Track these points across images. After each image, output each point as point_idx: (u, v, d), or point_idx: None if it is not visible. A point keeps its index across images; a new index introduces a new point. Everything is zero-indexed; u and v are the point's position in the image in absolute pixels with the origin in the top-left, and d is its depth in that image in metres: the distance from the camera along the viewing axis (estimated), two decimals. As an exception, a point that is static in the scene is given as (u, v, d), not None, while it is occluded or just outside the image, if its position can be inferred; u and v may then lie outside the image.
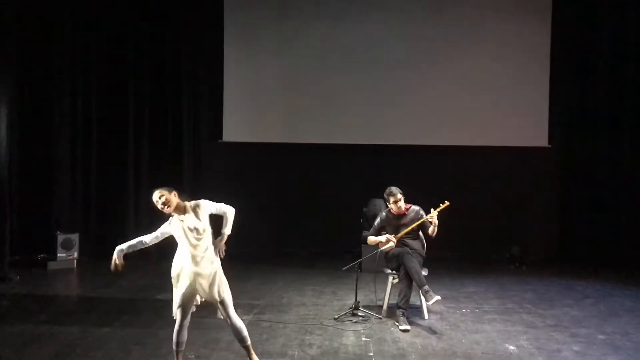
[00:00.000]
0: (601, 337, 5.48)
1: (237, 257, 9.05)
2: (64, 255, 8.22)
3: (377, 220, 6.26)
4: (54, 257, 8.18)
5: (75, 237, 8.35)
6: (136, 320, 5.80)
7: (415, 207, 6.11)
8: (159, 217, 4.55)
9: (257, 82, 9.46)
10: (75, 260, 8.31)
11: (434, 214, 5.77)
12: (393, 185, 6.13)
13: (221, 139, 9.46)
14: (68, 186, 8.87)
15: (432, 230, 5.85)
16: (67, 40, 8.79)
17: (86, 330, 5.44)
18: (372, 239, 6.18)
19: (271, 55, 9.44)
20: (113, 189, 9.05)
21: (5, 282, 7.21)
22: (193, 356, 4.81)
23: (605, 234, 9.11)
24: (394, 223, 6.11)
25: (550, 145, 9.36)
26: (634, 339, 5.43)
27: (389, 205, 6.12)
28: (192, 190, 9.38)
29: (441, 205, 5.81)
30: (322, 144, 9.37)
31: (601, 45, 9.27)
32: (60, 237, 8.22)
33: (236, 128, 9.49)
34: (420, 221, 5.97)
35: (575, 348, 5.14)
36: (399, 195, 6.03)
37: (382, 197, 6.26)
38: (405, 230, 5.99)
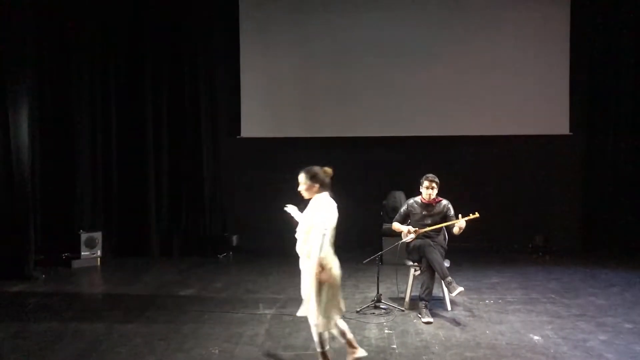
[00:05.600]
0: (628, 326, 5.40)
1: (257, 252, 9.16)
2: (87, 253, 8.31)
3: (404, 206, 6.20)
4: (78, 255, 8.27)
5: (98, 235, 8.44)
6: (160, 316, 5.85)
7: (444, 202, 6.06)
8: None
9: (273, 78, 9.47)
10: (98, 259, 8.40)
11: (462, 224, 5.73)
12: (431, 174, 6.09)
13: (239, 135, 9.49)
14: (90, 185, 8.95)
15: (457, 230, 5.81)
16: (85, 42, 8.84)
17: (111, 326, 5.49)
18: (396, 226, 6.16)
19: (287, 50, 9.44)
20: (134, 186, 9.12)
21: (31, 281, 7.31)
22: (216, 351, 4.84)
23: (629, 222, 8.97)
24: (419, 211, 6.06)
25: (571, 133, 9.23)
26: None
27: (422, 190, 6.06)
28: (211, 186, 9.47)
29: (471, 215, 5.76)
30: (340, 137, 9.35)
31: (622, 30, 9.09)
32: (84, 236, 8.31)
33: (254, 124, 9.51)
34: (446, 224, 5.94)
35: (602, 337, 5.08)
36: (434, 184, 5.98)
37: (402, 190, 6.22)
38: (430, 228, 5.95)
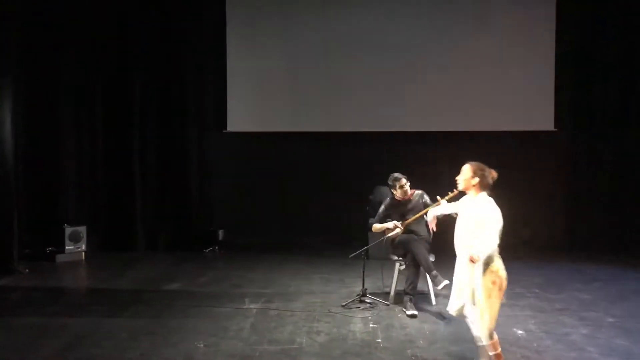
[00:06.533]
0: (610, 320, 5.47)
1: (243, 247, 9.16)
2: (72, 247, 8.25)
3: (382, 207, 6.25)
4: (62, 250, 8.21)
5: (82, 229, 8.37)
6: (146, 311, 5.83)
7: (419, 192, 6.12)
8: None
9: (260, 71, 9.42)
10: (83, 253, 8.34)
11: (442, 202, 5.72)
12: (397, 172, 6.14)
13: (226, 129, 9.46)
14: (75, 179, 8.88)
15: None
16: (70, 32, 8.75)
17: (96, 321, 5.47)
18: (377, 227, 6.18)
19: (275, 44, 9.39)
20: (119, 180, 9.06)
21: (14, 275, 7.24)
22: (202, 345, 4.84)
23: (613, 217, 9.07)
24: (399, 209, 6.11)
25: (556, 129, 9.30)
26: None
27: (394, 192, 6.11)
28: (198, 181, 9.44)
29: (450, 193, 5.76)
30: (327, 132, 9.34)
31: (607, 27, 9.16)
32: (68, 230, 8.24)
33: (241, 118, 9.47)
34: (427, 209, 5.94)
35: (584, 331, 5.14)
36: (404, 181, 6.04)
37: (388, 185, 6.24)
38: (413, 218, 5.98)
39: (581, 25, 9.25)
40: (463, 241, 4.17)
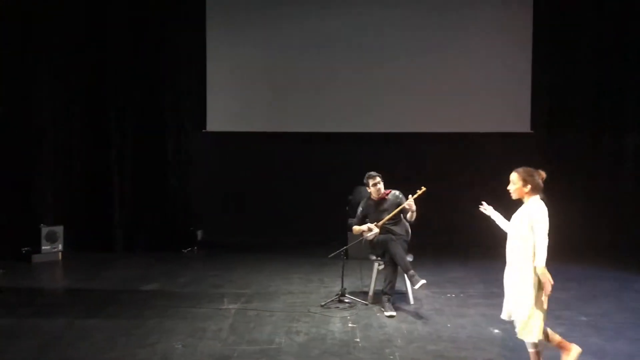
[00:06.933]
0: (584, 319, 5.57)
1: (222, 247, 9.13)
2: (48, 247, 8.15)
3: (360, 208, 6.31)
4: (38, 250, 8.11)
5: (59, 229, 8.27)
6: (122, 312, 5.79)
7: (395, 192, 6.20)
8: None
9: (240, 72, 9.41)
10: (60, 253, 8.24)
11: (410, 201, 5.85)
12: (374, 171, 6.23)
13: (205, 128, 9.41)
14: (51, 178, 8.77)
15: (410, 215, 5.97)
16: (46, 35, 8.63)
17: (72, 322, 5.41)
18: (356, 228, 6.25)
19: (254, 45, 9.38)
20: (97, 180, 8.98)
21: (-11, 276, 7.15)
22: (180, 346, 4.81)
23: (588, 218, 9.20)
24: (375, 209, 6.17)
25: (532, 131, 9.42)
26: (614, 319, 5.54)
27: (369, 190, 6.19)
28: (177, 181, 9.38)
29: (418, 191, 5.86)
30: (307, 133, 9.37)
31: (583, 30, 9.32)
32: (45, 230, 8.15)
33: (220, 118, 9.45)
34: (399, 208, 6.03)
35: (559, 330, 5.18)
36: (378, 179, 6.13)
37: (364, 184, 6.30)
38: (387, 218, 6.04)
39: (557, 29, 9.39)
40: (515, 245, 4.13)
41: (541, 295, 3.99)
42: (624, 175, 9.36)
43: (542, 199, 4.16)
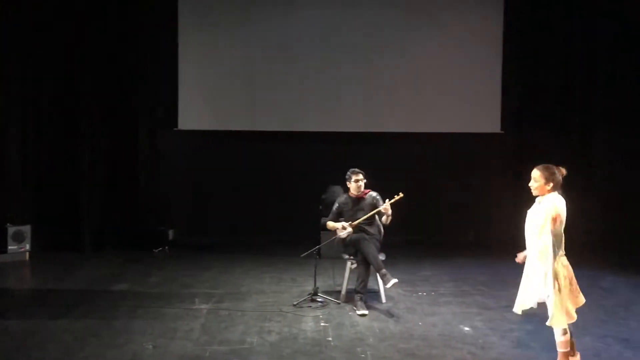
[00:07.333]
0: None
1: (194, 246, 9.05)
2: (15, 247, 7.98)
3: (336, 204, 6.32)
4: (4, 250, 7.93)
5: (27, 229, 8.10)
6: (91, 312, 5.70)
7: (373, 193, 6.21)
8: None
9: (213, 69, 9.33)
10: (27, 253, 8.07)
11: (387, 206, 5.88)
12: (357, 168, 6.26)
13: (177, 127, 9.32)
14: (19, 176, 8.59)
15: (385, 219, 6.01)
16: (16, 32, 8.44)
17: (40, 323, 5.31)
18: (330, 225, 6.27)
19: (227, 42, 9.30)
20: (66, 178, 8.80)
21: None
22: (150, 346, 4.76)
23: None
24: (351, 207, 6.19)
25: (503, 131, 9.54)
26: (581, 316, 5.61)
27: (349, 185, 6.19)
28: (147, 179, 9.28)
29: (395, 197, 5.89)
30: (280, 132, 9.34)
31: (553, 30, 9.47)
32: (11, 229, 7.97)
33: (192, 116, 9.34)
34: (375, 211, 6.06)
35: (528, 327, 5.30)
36: (361, 176, 6.17)
37: (340, 184, 6.32)
38: (362, 218, 6.06)
39: (528, 29, 9.53)
40: (533, 235, 4.25)
41: (562, 284, 4.08)
42: (594, 172, 9.49)
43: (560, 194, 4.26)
